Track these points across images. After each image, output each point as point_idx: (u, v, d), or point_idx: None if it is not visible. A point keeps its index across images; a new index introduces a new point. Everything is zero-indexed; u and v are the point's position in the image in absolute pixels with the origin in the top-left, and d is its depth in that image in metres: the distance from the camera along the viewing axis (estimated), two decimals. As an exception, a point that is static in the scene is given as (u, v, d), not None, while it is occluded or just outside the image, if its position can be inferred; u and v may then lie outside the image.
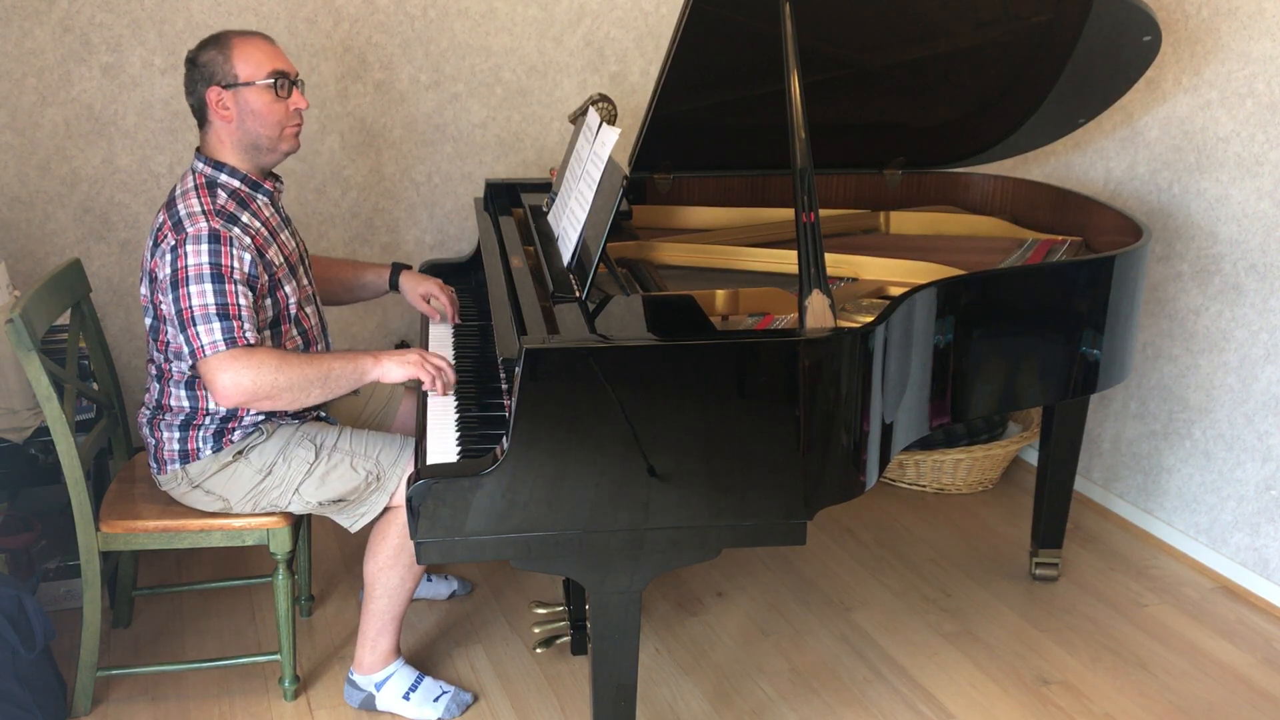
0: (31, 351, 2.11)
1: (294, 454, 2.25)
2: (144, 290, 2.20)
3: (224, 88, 2.16)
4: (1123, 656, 2.66)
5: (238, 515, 2.28)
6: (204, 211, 2.11)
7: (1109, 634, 2.75)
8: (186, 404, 2.22)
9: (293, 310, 2.27)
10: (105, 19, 3.06)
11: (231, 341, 2.07)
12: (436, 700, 2.39)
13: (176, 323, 2.09)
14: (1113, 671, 2.61)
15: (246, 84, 2.16)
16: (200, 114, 2.21)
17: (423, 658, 2.60)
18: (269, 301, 2.19)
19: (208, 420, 2.23)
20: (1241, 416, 2.92)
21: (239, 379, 2.07)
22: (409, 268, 2.71)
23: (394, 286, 2.69)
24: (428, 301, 2.67)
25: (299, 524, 2.38)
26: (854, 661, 2.63)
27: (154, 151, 3.19)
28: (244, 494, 2.25)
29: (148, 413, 2.29)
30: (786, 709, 2.46)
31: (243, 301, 2.09)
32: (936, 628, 2.77)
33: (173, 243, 2.09)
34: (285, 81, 2.20)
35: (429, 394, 2.25)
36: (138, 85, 3.13)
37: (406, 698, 2.38)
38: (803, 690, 2.52)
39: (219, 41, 2.18)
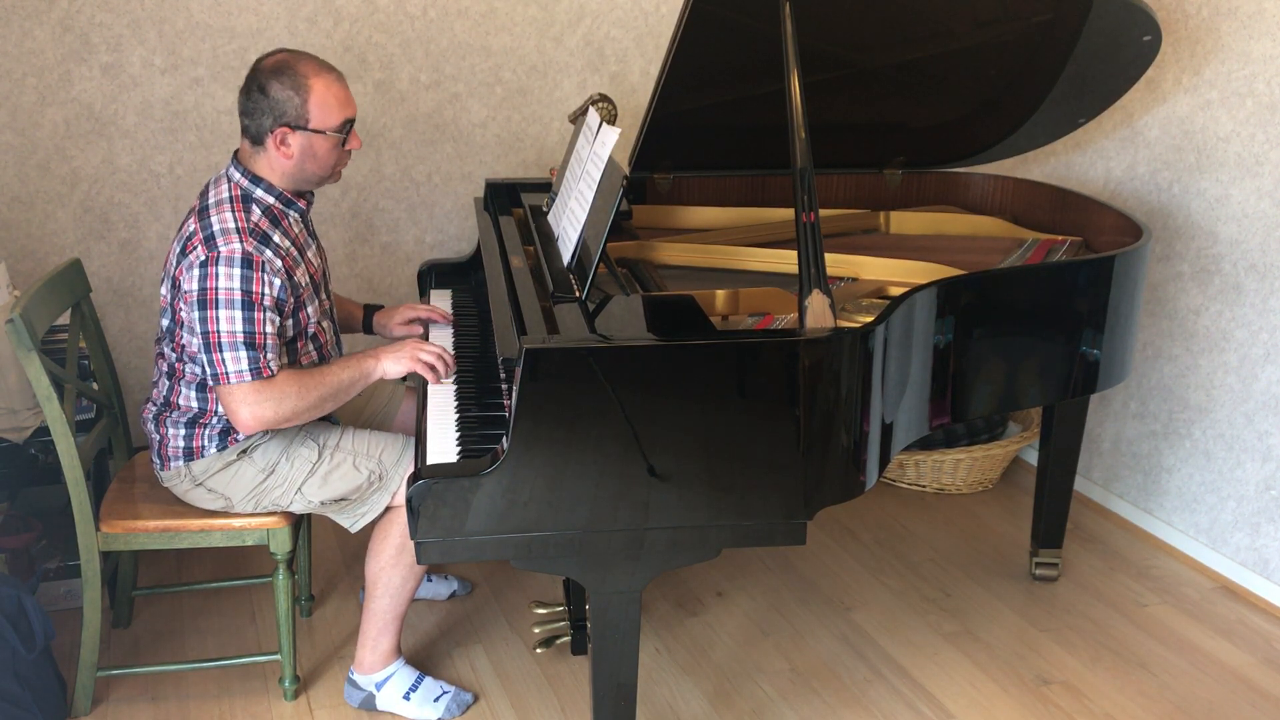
0: (31, 351, 2.11)
1: (297, 453, 2.25)
2: (164, 291, 2.20)
3: (293, 129, 2.13)
4: (1123, 656, 2.66)
5: (238, 515, 2.28)
6: (238, 230, 2.09)
7: (1109, 634, 2.75)
8: (195, 404, 2.23)
9: (311, 329, 2.27)
10: (105, 19, 3.06)
11: (256, 373, 2.07)
12: (437, 700, 2.39)
13: (201, 343, 2.08)
14: (1113, 671, 2.61)
15: (317, 131, 2.14)
16: (255, 137, 2.16)
17: (423, 658, 2.60)
18: (290, 321, 2.19)
19: (214, 420, 2.23)
20: (1241, 416, 2.92)
21: (261, 412, 2.08)
22: (380, 307, 2.67)
23: (367, 329, 2.66)
24: (410, 323, 2.63)
25: (299, 524, 2.38)
26: (854, 661, 2.63)
27: (154, 151, 3.19)
28: (246, 493, 2.26)
29: (154, 408, 2.28)
30: (786, 709, 2.46)
31: (269, 329, 2.09)
32: (936, 628, 2.77)
33: (203, 258, 2.07)
34: (352, 129, 2.20)
35: (430, 386, 2.25)
36: (138, 85, 3.13)
37: (407, 698, 2.38)
38: (803, 690, 2.52)
39: (294, 77, 2.11)
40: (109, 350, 2.54)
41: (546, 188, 2.85)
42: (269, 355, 2.09)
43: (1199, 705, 2.49)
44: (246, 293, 2.06)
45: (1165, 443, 3.17)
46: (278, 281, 2.11)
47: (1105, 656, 2.66)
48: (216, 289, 2.06)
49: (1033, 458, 3.54)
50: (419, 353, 2.25)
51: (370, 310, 2.67)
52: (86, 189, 3.17)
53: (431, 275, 3.00)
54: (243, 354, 2.06)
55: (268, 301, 2.09)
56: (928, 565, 3.06)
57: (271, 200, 2.19)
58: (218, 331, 2.06)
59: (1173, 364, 3.12)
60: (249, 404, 2.08)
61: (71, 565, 2.70)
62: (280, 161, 2.17)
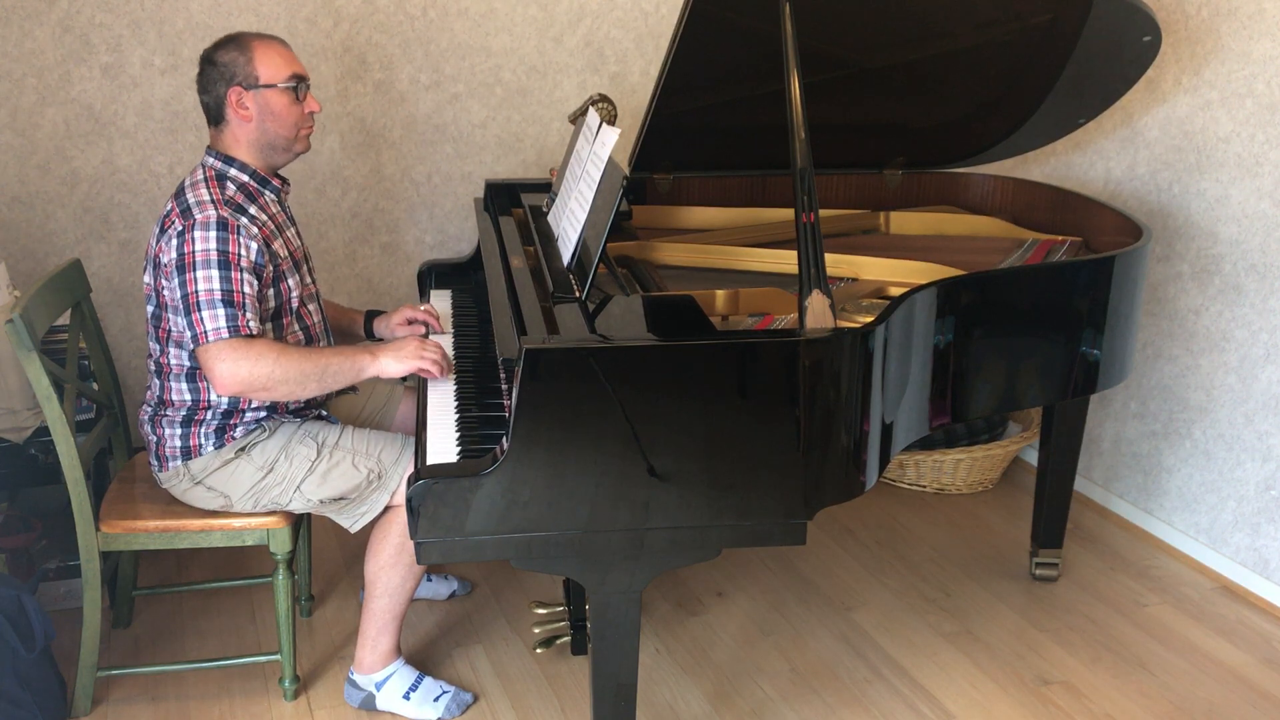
0: (31, 351, 2.11)
1: (296, 451, 2.25)
2: (147, 278, 2.23)
3: (245, 88, 2.19)
4: (1123, 656, 2.66)
5: (238, 515, 2.28)
6: (213, 200, 2.15)
7: (1109, 634, 2.75)
8: (188, 397, 2.23)
9: (295, 304, 2.28)
10: (105, 19, 3.06)
11: (235, 330, 2.08)
12: (436, 700, 2.39)
13: (181, 307, 2.11)
14: (1113, 671, 2.61)
15: (268, 86, 2.20)
16: (216, 112, 2.23)
17: (423, 658, 2.60)
18: (272, 292, 2.21)
19: (209, 415, 2.23)
20: (1241, 416, 2.92)
21: (236, 369, 2.08)
22: (381, 312, 2.67)
23: (369, 334, 2.66)
24: (410, 323, 2.61)
25: (299, 524, 2.38)
26: (854, 661, 2.63)
27: (154, 151, 3.19)
28: (245, 491, 2.25)
29: (149, 410, 2.29)
30: (786, 709, 2.46)
31: (247, 290, 2.11)
32: (936, 628, 2.77)
33: (180, 228, 2.11)
34: (303, 85, 2.25)
35: (430, 387, 2.25)
36: (138, 85, 3.13)
37: (407, 698, 2.38)
38: (803, 690, 2.52)
39: (239, 43, 2.21)
40: (109, 350, 2.54)
41: (546, 188, 2.85)
42: (248, 314, 2.10)
43: (1199, 705, 2.49)
44: (223, 253, 2.10)
45: (1165, 443, 3.17)
46: (254, 245, 2.14)
47: (1105, 656, 2.66)
48: (194, 252, 2.09)
49: (1033, 458, 3.54)
50: (422, 350, 2.25)
51: (371, 315, 2.66)
52: (86, 189, 3.17)
53: (431, 275, 3.00)
54: (220, 311, 2.08)
55: (244, 263, 2.12)
56: (928, 565, 3.06)
57: (246, 178, 2.25)
58: (196, 292, 2.08)
59: (1173, 364, 3.12)
60: (225, 360, 2.08)
61: (71, 565, 2.70)
62: (243, 128, 2.22)
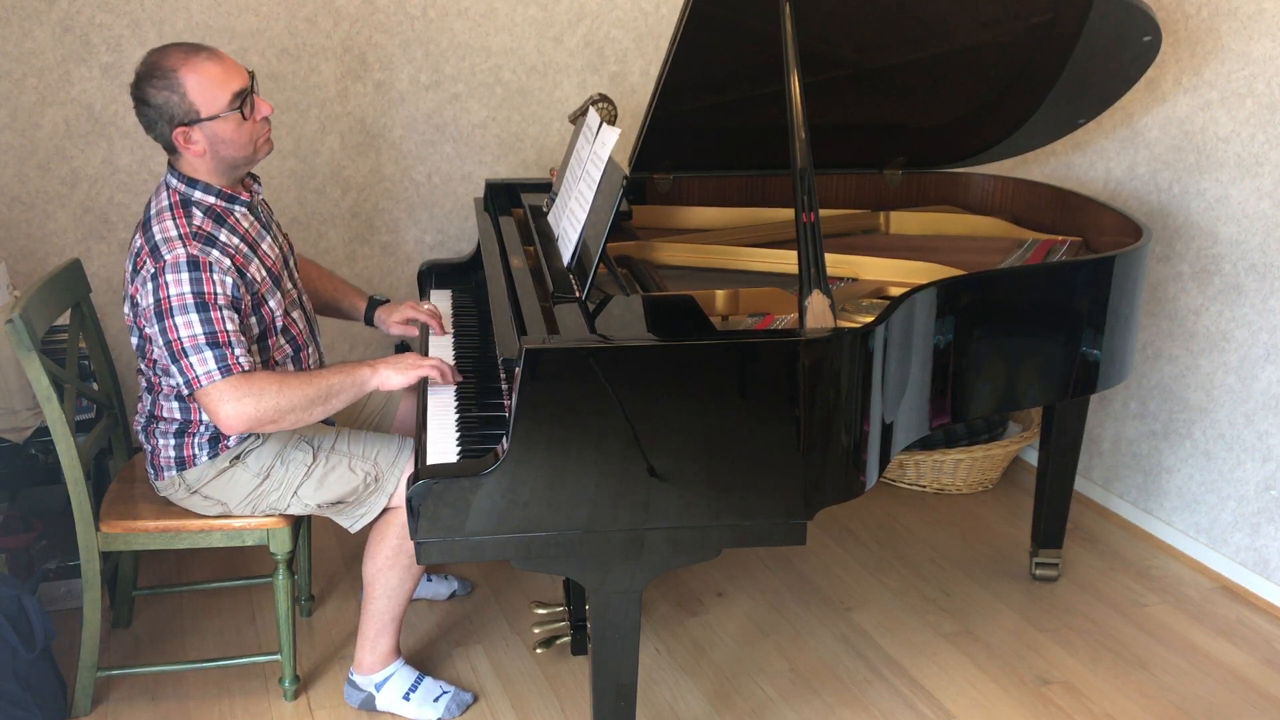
0: (31, 351, 2.11)
1: (291, 456, 2.25)
2: (127, 311, 2.18)
3: (188, 125, 2.08)
4: (1123, 656, 2.66)
5: (238, 515, 2.28)
6: (180, 236, 2.06)
7: (1109, 634, 2.75)
8: (179, 415, 2.21)
9: (279, 323, 2.23)
10: (105, 19, 3.05)
11: (226, 370, 2.04)
12: (436, 700, 2.39)
13: (167, 354, 2.06)
14: (1113, 671, 2.61)
15: (211, 118, 2.08)
16: (167, 146, 2.13)
17: (423, 658, 2.60)
18: (254, 319, 2.16)
19: (202, 428, 2.21)
20: (1241, 416, 2.92)
21: (241, 409, 2.05)
22: (386, 301, 2.65)
23: (369, 322, 2.63)
24: (408, 323, 2.61)
25: (299, 524, 2.38)
26: (854, 661, 2.63)
27: (154, 151, 3.19)
28: (242, 498, 2.25)
29: (142, 420, 2.28)
30: (786, 709, 2.46)
31: (230, 326, 2.06)
32: (936, 628, 2.77)
33: (152, 270, 2.05)
34: (248, 98, 2.12)
35: (431, 391, 2.25)
36: (138, 85, 3.12)
37: (406, 698, 2.38)
38: (803, 690, 2.52)
39: (166, 77, 2.05)
40: (109, 350, 2.54)
41: (546, 188, 2.85)
42: (236, 352, 2.05)
43: (1199, 705, 2.49)
44: (198, 294, 2.03)
45: (1165, 443, 3.17)
46: (229, 280, 2.07)
47: (1105, 656, 2.66)
48: (169, 297, 2.03)
49: (1033, 458, 3.53)
50: (420, 361, 2.22)
51: (375, 304, 2.64)
52: (86, 189, 3.16)
53: (431, 275, 3.00)
54: (208, 354, 2.03)
55: (221, 300, 2.06)
56: (928, 565, 3.06)
57: (212, 200, 2.15)
58: (179, 339, 2.03)
59: (1173, 364, 3.12)
60: (228, 401, 2.04)
61: (71, 565, 2.70)
62: (198, 160, 2.13)
